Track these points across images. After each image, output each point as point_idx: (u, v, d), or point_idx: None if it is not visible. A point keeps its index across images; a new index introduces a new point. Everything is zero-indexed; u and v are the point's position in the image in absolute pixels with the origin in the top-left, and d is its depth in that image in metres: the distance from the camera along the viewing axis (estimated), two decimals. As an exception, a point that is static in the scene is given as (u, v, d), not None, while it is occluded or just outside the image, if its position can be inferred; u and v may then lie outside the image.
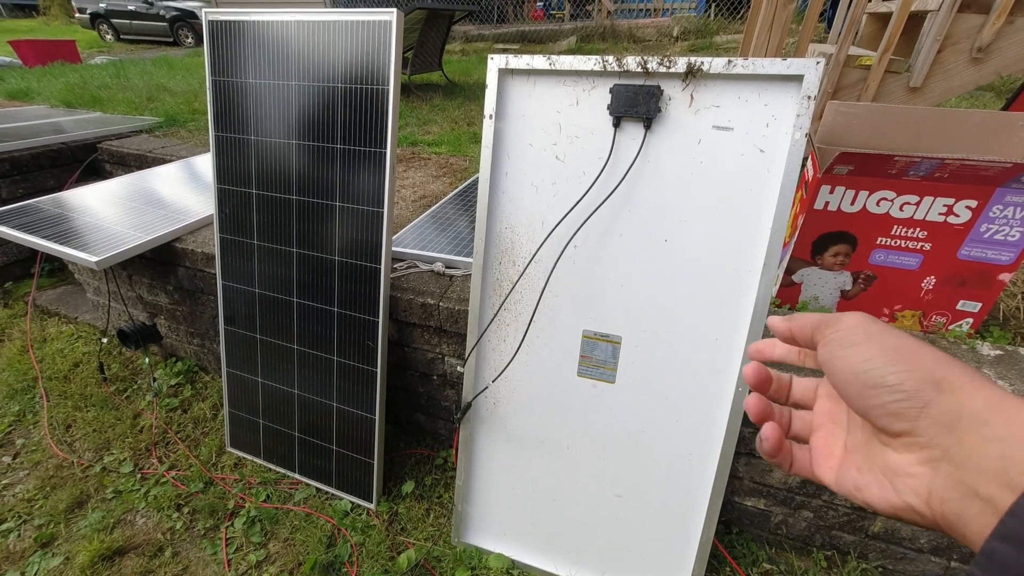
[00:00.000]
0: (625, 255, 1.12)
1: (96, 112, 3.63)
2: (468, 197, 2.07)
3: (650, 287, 1.12)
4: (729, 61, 0.97)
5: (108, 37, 12.81)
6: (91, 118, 3.41)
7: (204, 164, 2.47)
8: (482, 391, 1.29)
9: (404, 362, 1.63)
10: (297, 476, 1.67)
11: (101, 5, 12.30)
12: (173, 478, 1.69)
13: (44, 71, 5.58)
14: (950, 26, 1.86)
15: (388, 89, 1.28)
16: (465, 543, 1.46)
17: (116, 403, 2.00)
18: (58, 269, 2.78)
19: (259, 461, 1.74)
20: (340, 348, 1.48)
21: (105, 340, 2.25)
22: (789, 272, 1.36)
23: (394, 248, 1.59)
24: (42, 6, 19.61)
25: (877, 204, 1.18)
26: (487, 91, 1.13)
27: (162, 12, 11.64)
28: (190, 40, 11.65)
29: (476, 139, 3.00)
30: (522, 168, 1.16)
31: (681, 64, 0.99)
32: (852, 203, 1.20)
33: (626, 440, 1.24)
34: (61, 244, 1.63)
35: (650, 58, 1.02)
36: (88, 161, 2.92)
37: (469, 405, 1.28)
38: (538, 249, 1.15)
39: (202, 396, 2.03)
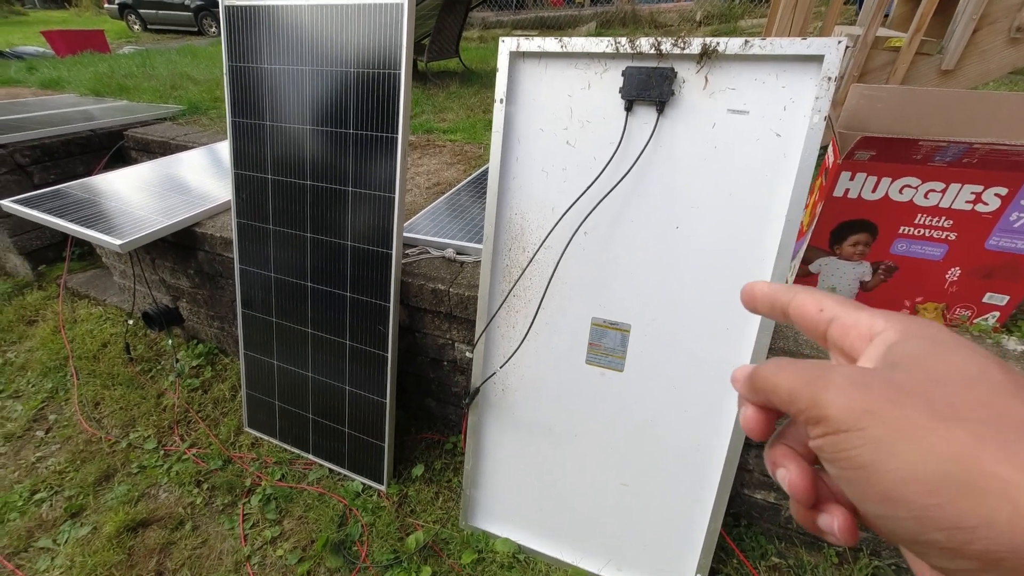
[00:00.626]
0: (635, 242, 1.11)
1: (123, 100, 3.72)
2: (482, 184, 2.07)
3: (660, 274, 1.11)
4: (746, 41, 0.94)
5: (136, 27, 13.12)
6: (118, 106, 3.50)
7: (224, 151, 2.52)
8: (490, 377, 1.29)
9: (415, 348, 1.64)
10: (311, 457, 1.72)
11: None
12: (194, 455, 1.75)
13: (74, 61, 5.72)
14: (987, 4, 1.76)
15: (400, 74, 1.28)
16: (473, 527, 1.48)
17: (141, 382, 2.07)
18: (88, 253, 2.87)
19: (275, 441, 1.78)
20: (352, 332, 1.50)
21: (131, 322, 2.33)
22: (806, 262, 1.32)
23: (406, 234, 1.60)
24: None
25: (900, 191, 1.14)
26: (498, 75, 1.12)
27: (187, 2, 11.88)
28: (213, 30, 11.86)
29: (492, 126, 2.98)
30: (532, 153, 1.15)
31: (695, 45, 0.96)
32: (873, 190, 1.16)
33: (633, 429, 1.23)
34: (88, 228, 1.68)
35: (664, 39, 0.99)
36: (115, 148, 3.00)
37: (477, 391, 1.29)
38: (547, 235, 1.14)
39: (222, 377, 2.08)
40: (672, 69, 1.00)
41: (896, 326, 0.23)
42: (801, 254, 1.32)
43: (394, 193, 1.35)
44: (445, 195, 1.96)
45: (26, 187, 2.60)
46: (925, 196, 1.13)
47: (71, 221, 1.71)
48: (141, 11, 12.66)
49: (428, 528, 1.49)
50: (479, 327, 1.28)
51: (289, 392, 1.70)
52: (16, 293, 2.64)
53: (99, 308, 2.51)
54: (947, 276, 1.20)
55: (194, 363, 2.15)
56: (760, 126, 0.98)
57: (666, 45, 0.99)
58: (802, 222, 1.32)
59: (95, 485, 1.65)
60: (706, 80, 0.99)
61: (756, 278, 1.04)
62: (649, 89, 1.02)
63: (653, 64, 1.01)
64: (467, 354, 1.53)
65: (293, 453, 1.74)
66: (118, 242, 1.59)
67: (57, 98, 3.81)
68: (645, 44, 1.00)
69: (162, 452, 1.77)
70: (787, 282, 1.43)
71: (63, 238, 2.81)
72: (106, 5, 13.80)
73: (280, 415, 1.75)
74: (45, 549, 1.46)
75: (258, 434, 1.82)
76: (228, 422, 1.88)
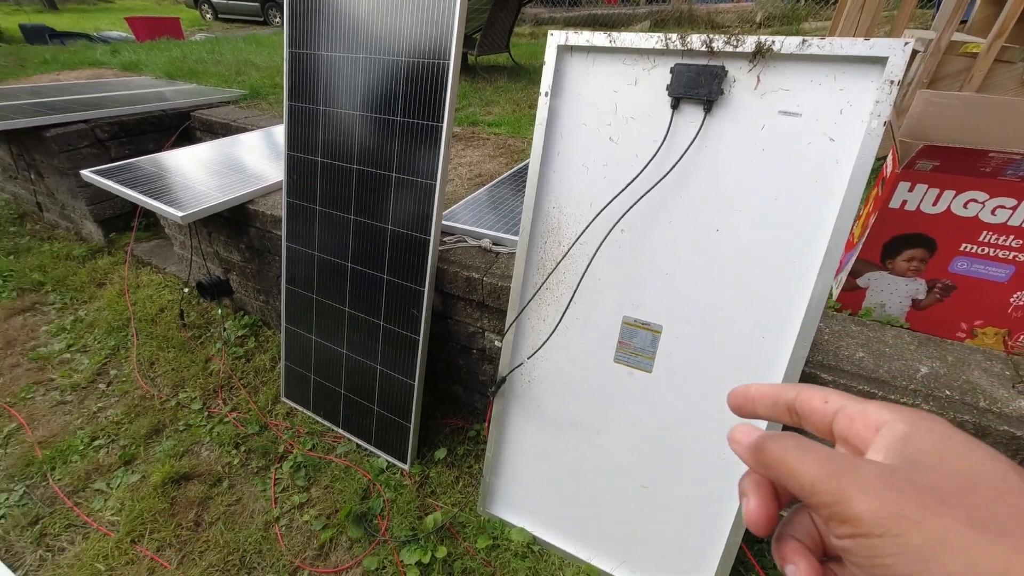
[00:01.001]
0: (673, 242, 1.09)
1: (192, 84, 3.95)
2: (522, 178, 2.08)
3: (696, 277, 1.09)
4: (803, 40, 0.91)
5: (207, 16, 13.95)
6: (187, 89, 3.72)
7: (277, 134, 2.64)
8: (517, 367, 1.31)
9: (446, 334, 1.68)
10: (340, 431, 1.79)
11: None
12: (234, 419, 1.85)
13: (152, 46, 6.12)
14: (1085, 11, 1.62)
15: (448, 64, 1.31)
16: (490, 513, 1.51)
17: (191, 347, 2.21)
18: (153, 224, 3.08)
19: (308, 413, 1.87)
20: (387, 314, 1.55)
21: (186, 290, 2.48)
22: (854, 275, 1.27)
23: (445, 222, 1.64)
24: None
25: (964, 206, 1.07)
26: (544, 68, 1.12)
27: None
28: (277, 20, 12.44)
29: (534, 120, 2.99)
30: (574, 148, 1.15)
31: (749, 43, 0.94)
32: (934, 203, 1.09)
33: (658, 432, 1.22)
34: (155, 199, 1.81)
35: (715, 36, 0.97)
36: (182, 127, 3.20)
37: (504, 380, 1.31)
38: (584, 230, 1.14)
39: (263, 349, 2.20)
40: (723, 67, 0.98)
41: (902, 417, 0.23)
42: (849, 267, 1.27)
43: (435, 181, 1.38)
44: (485, 187, 1.99)
45: (104, 160, 2.81)
46: (992, 212, 1.06)
47: (141, 192, 1.85)
48: (214, 1, 13.41)
49: (446, 510, 1.52)
50: (510, 317, 1.30)
51: (324, 367, 1.77)
52: (89, 257, 2.86)
53: (159, 275, 2.69)
54: (1012, 300, 1.12)
55: (239, 333, 2.27)
56: (813, 129, 0.94)
57: (718, 42, 0.97)
58: (852, 233, 1.27)
59: (146, 438, 1.78)
60: (758, 80, 0.97)
61: (798, 289, 1.00)
62: (697, 87, 1.00)
63: (703, 62, 0.99)
64: (496, 343, 1.56)
65: (324, 426, 1.82)
66: (180, 214, 1.70)
67: (135, 79, 4.09)
68: (696, 41, 0.98)
69: (206, 413, 1.89)
70: (832, 296, 1.37)
71: (132, 208, 3.03)
72: None
73: (315, 388, 1.83)
74: (100, 491, 1.59)
75: (293, 404, 1.91)
76: (267, 391, 1.98)
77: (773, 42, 0.93)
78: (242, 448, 1.75)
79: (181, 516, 1.51)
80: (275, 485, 1.62)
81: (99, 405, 1.94)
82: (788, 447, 0.23)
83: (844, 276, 1.29)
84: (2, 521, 1.48)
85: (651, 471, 1.25)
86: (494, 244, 1.56)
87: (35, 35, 7.65)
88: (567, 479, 1.37)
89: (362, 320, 1.62)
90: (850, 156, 0.93)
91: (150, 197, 1.82)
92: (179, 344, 2.22)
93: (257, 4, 12.62)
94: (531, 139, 2.67)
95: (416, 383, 1.54)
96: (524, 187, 1.98)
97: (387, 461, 1.67)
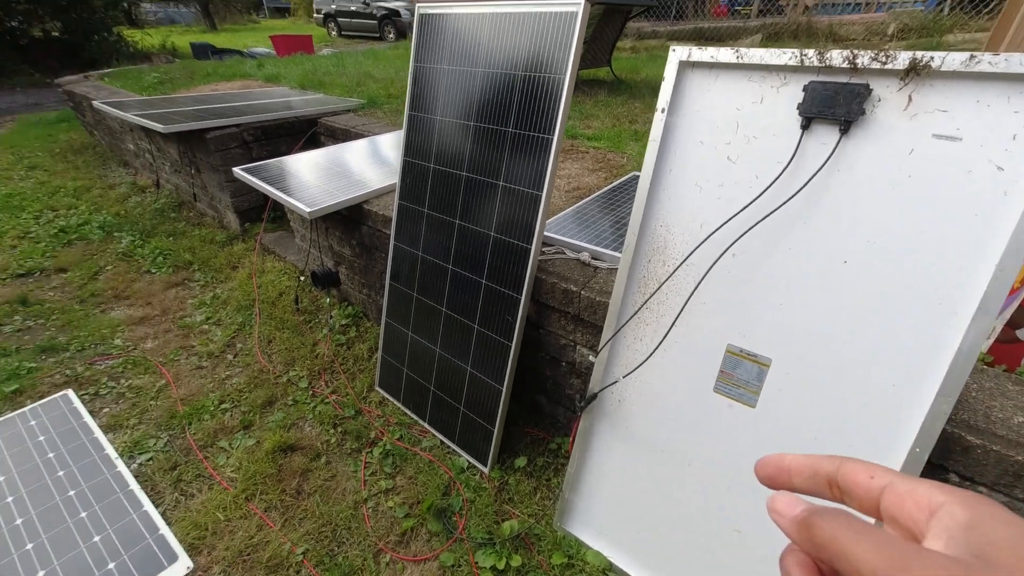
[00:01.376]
0: (792, 272, 1.02)
1: (319, 94, 4.39)
2: (621, 193, 2.06)
3: (816, 312, 1.01)
4: (971, 56, 0.81)
5: (333, 33, 15.65)
6: (315, 98, 4.15)
7: (386, 142, 2.85)
8: (610, 384, 1.29)
9: (537, 343, 1.70)
10: (426, 425, 1.87)
11: (332, 7, 15.23)
12: (334, 401, 2.02)
13: (289, 60, 6.91)
14: None
15: (564, 78, 1.34)
16: (566, 530, 1.49)
17: (302, 330, 2.45)
18: (279, 217, 3.46)
19: (398, 404, 1.98)
20: (482, 318, 1.61)
21: (302, 278, 2.76)
22: (1013, 325, 1.10)
23: (545, 233, 1.66)
24: (292, 8, 24.53)
25: None
26: (663, 84, 1.11)
27: (374, 11, 14.09)
28: (392, 35, 13.79)
29: (637, 136, 2.94)
30: (687, 166, 1.12)
31: (902, 59, 0.86)
32: None
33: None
34: (287, 195, 2.04)
35: (860, 52, 0.90)
36: (310, 132, 3.57)
37: (595, 396, 1.30)
38: (692, 252, 1.11)
39: (363, 339, 2.37)
40: (866, 86, 0.90)
41: (959, 500, 0.21)
42: (1008, 313, 1.10)
43: (541, 191, 1.41)
44: (584, 200, 1.99)
45: (247, 159, 3.22)
46: None
47: (277, 189, 2.09)
48: (339, 19, 15.13)
49: (523, 519, 1.53)
50: (606, 334, 1.29)
51: (417, 362, 1.88)
52: (227, 243, 3.28)
53: (280, 263, 3.01)
54: None
55: (343, 321, 2.47)
56: (975, 156, 0.84)
57: (863, 59, 0.90)
58: (1017, 278, 1.10)
59: (261, 407, 2.00)
60: (909, 99, 0.88)
61: (943, 335, 0.89)
62: (834, 107, 0.93)
63: (843, 80, 0.92)
64: (589, 358, 1.55)
65: (412, 418, 1.92)
66: (307, 209, 1.90)
67: (274, 89, 4.64)
68: (837, 57, 0.92)
69: (311, 392, 2.08)
70: (984, 348, 1.19)
71: (264, 202, 3.43)
72: (315, 15, 16.66)
73: (406, 381, 1.94)
74: (223, 449, 1.81)
75: (385, 394, 2.04)
76: (363, 378, 2.13)
77: (932, 58, 0.84)
78: (339, 429, 1.90)
79: (286, 483, 1.67)
80: (365, 468, 1.74)
81: (227, 373, 2.21)
82: (841, 526, 0.21)
83: (1001, 323, 1.12)
84: (150, 462, 1.74)
85: (746, 515, 1.17)
86: (593, 258, 1.56)
87: (201, 52, 9.11)
88: (651, 508, 1.32)
89: (457, 321, 1.69)
90: (1022, 189, 0.81)
91: (284, 193, 2.05)
92: (292, 326, 2.46)
93: (375, 22, 14.10)
94: (631, 155, 2.62)
95: (504, 388, 1.57)
96: (623, 202, 1.96)
97: (468, 461, 1.73)
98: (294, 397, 2.05)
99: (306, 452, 1.80)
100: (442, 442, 1.81)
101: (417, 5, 1.70)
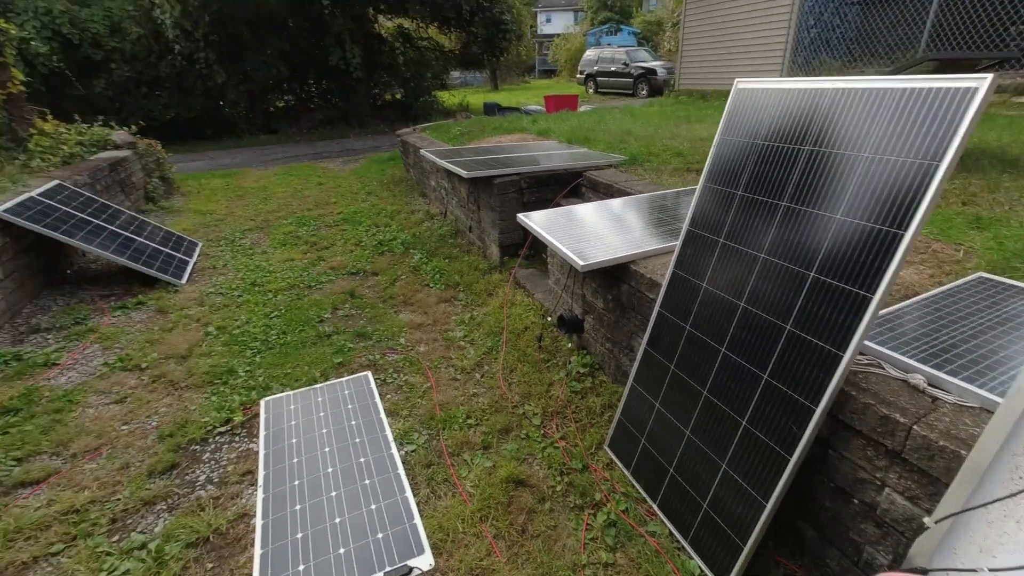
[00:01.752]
0: None
1: (584, 148, 4.77)
2: (963, 301, 1.59)
3: None
4: None
5: (590, 91, 17.31)
6: (580, 152, 4.52)
7: (658, 202, 2.85)
8: (959, 570, 0.96)
9: (819, 463, 1.41)
10: (655, 507, 1.73)
11: (595, 68, 16.89)
12: (563, 447, 2.06)
13: (557, 116, 7.78)
14: None
15: (939, 166, 1.10)
16: None
17: (541, 368, 2.59)
18: (533, 255, 3.83)
19: (626, 473, 1.89)
20: (754, 416, 1.41)
21: (548, 318, 2.95)
22: None
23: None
24: (557, 70, 28.16)
25: None
26: None
27: (632, 71, 15.02)
28: (644, 92, 14.70)
29: (979, 224, 2.28)
30: None
31: None
32: None
33: None
34: (562, 245, 2.20)
35: None
36: (573, 184, 3.88)
37: (926, 573, 0.98)
38: None
39: (597, 392, 2.38)
40: None
41: None
42: None
43: (873, 293, 1.17)
44: (905, 302, 1.60)
45: (519, 202, 3.69)
46: None
47: (553, 238, 2.29)
48: (599, 79, 16.69)
49: (768, 674, 1.25)
50: (956, 494, 0.96)
51: (658, 439, 1.76)
52: (488, 271, 3.78)
53: (529, 298, 3.30)
54: None
55: (580, 369, 2.53)
56: None
57: None
58: None
59: (499, 432, 2.17)
60: None
61: None
62: None
63: None
64: (924, 521, 1.19)
65: (639, 493, 1.81)
66: (581, 263, 2.01)
67: (545, 143, 5.24)
68: None
69: (542, 432, 2.16)
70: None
71: (522, 240, 3.84)
72: (578, 75, 18.79)
73: (641, 453, 1.84)
74: (465, 462, 2.01)
75: (614, 458, 1.98)
76: (593, 433, 2.12)
77: None
78: (565, 479, 1.91)
79: (514, 516, 1.75)
80: (586, 531, 1.70)
81: (474, 391, 2.48)
82: None
83: None
84: (414, 453, 2.06)
85: None
86: (929, 384, 1.22)
87: (489, 109, 11.33)
88: None
89: (719, 410, 1.53)
90: None
91: (560, 243, 2.23)
92: (533, 362, 2.64)
93: (631, 80, 15.17)
94: (969, 248, 2.06)
95: (769, 505, 1.34)
96: (968, 313, 1.51)
97: (700, 568, 1.52)
98: (527, 432, 2.16)
99: (534, 492, 1.86)
100: (671, 533, 1.64)
101: (736, 81, 1.66)
